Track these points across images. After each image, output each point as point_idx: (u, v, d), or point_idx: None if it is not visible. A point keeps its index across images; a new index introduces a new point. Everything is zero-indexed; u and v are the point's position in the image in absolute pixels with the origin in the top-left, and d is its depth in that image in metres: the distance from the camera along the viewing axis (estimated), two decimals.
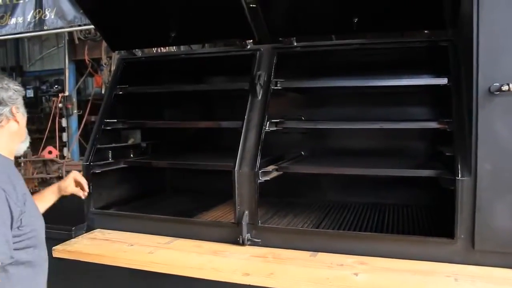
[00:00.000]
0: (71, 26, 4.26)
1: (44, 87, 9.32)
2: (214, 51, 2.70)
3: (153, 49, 2.90)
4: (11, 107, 1.84)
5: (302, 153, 3.05)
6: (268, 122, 2.36)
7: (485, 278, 1.82)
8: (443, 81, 2.21)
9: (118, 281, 2.44)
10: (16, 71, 10.09)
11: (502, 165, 1.90)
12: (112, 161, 2.75)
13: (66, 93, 5.47)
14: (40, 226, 1.89)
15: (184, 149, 3.30)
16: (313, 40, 2.53)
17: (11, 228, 1.69)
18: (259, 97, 2.42)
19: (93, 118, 7.23)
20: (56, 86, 9.18)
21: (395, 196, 2.80)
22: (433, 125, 2.27)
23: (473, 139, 1.95)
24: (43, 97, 9.32)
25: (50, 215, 2.92)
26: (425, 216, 2.54)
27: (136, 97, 2.90)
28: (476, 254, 1.94)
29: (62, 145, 6.26)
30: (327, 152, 3.04)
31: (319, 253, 2.12)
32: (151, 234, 2.46)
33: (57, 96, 7.22)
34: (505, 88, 1.84)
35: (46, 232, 2.62)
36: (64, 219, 2.97)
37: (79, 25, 4.22)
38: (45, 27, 4.26)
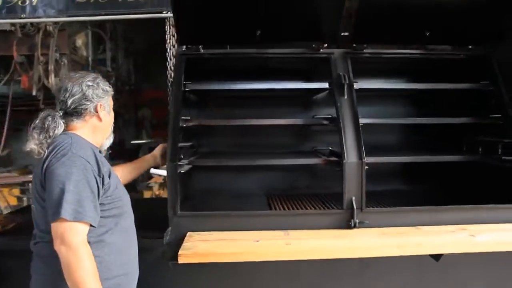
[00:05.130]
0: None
1: None
2: (285, 52, 2.83)
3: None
4: (96, 104, 1.99)
5: None
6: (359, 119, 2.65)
7: None
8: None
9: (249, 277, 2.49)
10: None
11: None
12: (188, 160, 2.64)
13: None
14: (126, 200, 2.05)
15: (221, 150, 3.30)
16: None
17: (98, 197, 1.84)
18: (346, 97, 2.69)
19: None
20: None
21: None
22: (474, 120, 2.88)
23: None
24: None
25: None
26: None
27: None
28: None
29: None
30: None
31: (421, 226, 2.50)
32: (245, 230, 2.46)
33: None
34: None
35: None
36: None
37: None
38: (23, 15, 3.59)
